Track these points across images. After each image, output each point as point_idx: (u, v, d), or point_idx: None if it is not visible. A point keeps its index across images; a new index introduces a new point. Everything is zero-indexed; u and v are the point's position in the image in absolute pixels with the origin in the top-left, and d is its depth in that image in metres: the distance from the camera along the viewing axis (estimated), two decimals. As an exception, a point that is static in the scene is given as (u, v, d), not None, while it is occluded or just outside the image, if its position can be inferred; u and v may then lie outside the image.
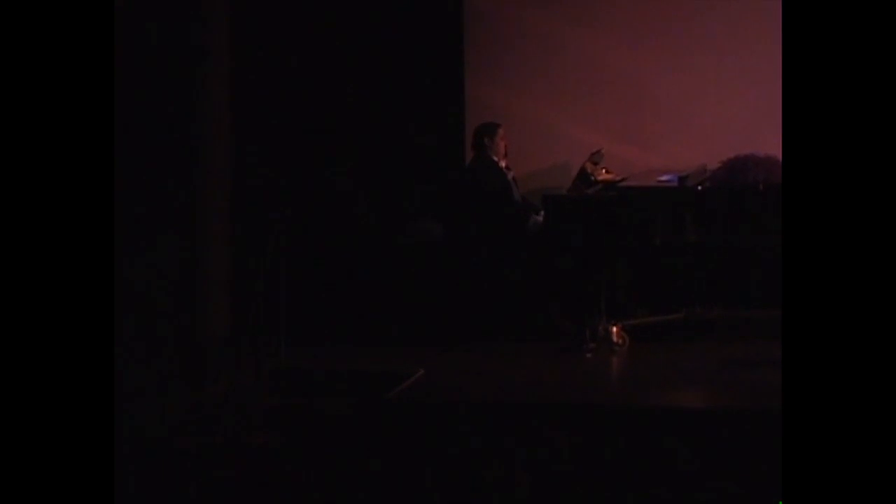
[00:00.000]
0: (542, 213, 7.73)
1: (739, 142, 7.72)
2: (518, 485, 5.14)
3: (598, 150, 7.98)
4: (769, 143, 7.21)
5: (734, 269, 7.47)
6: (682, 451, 5.28)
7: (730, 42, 8.36)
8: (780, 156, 7.03)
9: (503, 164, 7.97)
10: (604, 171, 7.98)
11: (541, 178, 8.42)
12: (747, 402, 6.02)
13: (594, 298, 7.36)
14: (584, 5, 8.62)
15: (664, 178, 7.70)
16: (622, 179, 7.88)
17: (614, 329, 7.32)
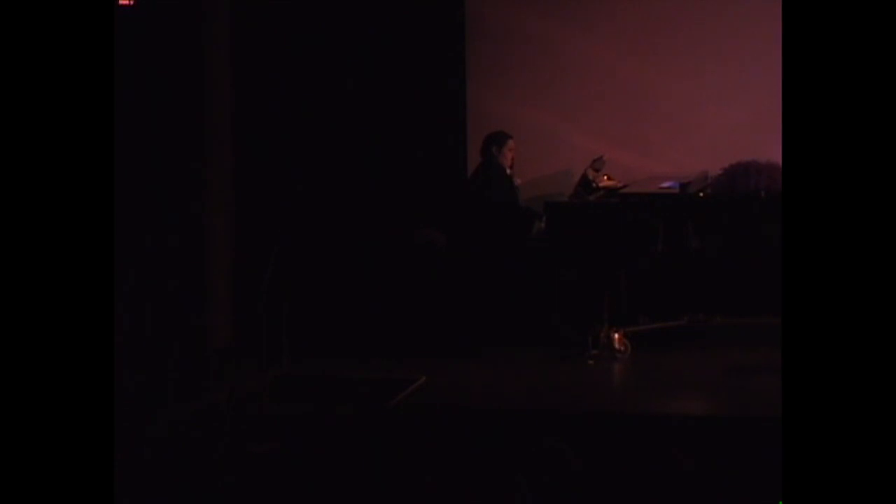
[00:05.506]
0: (545, 219, 7.74)
1: (741, 149, 7.73)
2: (520, 492, 5.13)
3: (599, 157, 8.01)
4: (770, 149, 7.22)
5: (736, 276, 7.47)
6: (684, 458, 5.28)
7: (731, 49, 8.37)
8: (781, 162, 7.04)
9: (508, 173, 8.01)
10: (605, 177, 8.01)
11: (542, 185, 8.43)
12: (749, 408, 6.03)
13: (596, 305, 7.37)
14: (587, 13, 8.64)
15: (666, 184, 7.71)
16: (624, 186, 7.90)
17: (616, 336, 7.32)
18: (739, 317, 7.66)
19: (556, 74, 8.61)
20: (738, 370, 6.86)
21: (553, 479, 5.18)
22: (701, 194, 7.66)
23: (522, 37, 8.61)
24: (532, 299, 7.61)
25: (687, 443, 5.52)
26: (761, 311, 7.31)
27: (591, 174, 7.98)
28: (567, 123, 8.56)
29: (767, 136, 7.35)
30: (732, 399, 6.32)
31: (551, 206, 7.77)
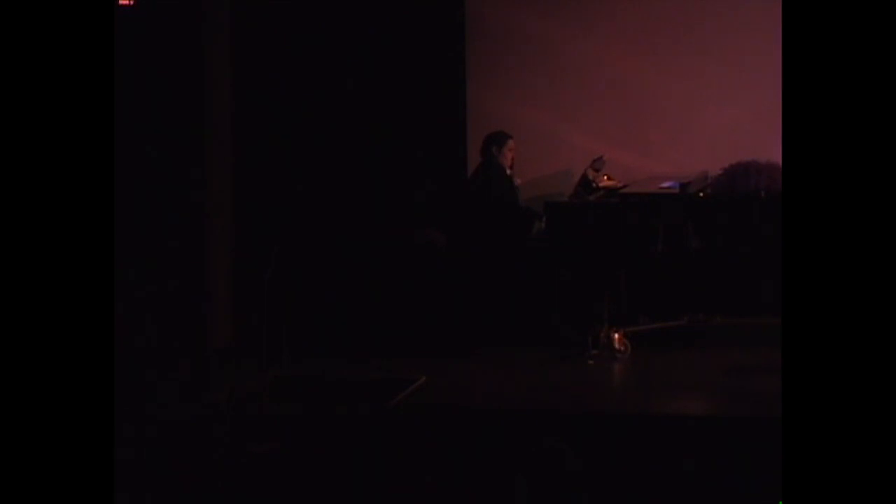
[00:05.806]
0: (545, 219, 7.74)
1: (741, 148, 7.73)
2: (519, 492, 5.13)
3: (599, 157, 8.01)
4: (770, 149, 7.21)
5: (736, 276, 7.46)
6: (684, 458, 5.28)
7: (731, 49, 8.37)
8: (781, 162, 7.03)
9: (508, 173, 8.01)
10: (605, 177, 8.01)
11: (543, 185, 8.43)
12: (749, 409, 6.02)
13: (596, 305, 7.36)
14: (587, 13, 8.64)
15: (666, 184, 7.70)
16: (624, 186, 7.90)
17: (616, 336, 7.31)
18: (739, 317, 7.65)
19: (556, 74, 8.60)
20: (738, 370, 6.85)
21: (552, 479, 5.18)
22: (701, 194, 7.66)
23: (522, 37, 8.61)
24: (532, 299, 7.60)
25: (687, 443, 5.52)
26: (761, 311, 7.30)
27: (591, 174, 7.98)
28: (567, 123, 8.55)
29: (767, 136, 7.34)
30: (732, 399, 6.31)
31: (551, 206, 7.77)
